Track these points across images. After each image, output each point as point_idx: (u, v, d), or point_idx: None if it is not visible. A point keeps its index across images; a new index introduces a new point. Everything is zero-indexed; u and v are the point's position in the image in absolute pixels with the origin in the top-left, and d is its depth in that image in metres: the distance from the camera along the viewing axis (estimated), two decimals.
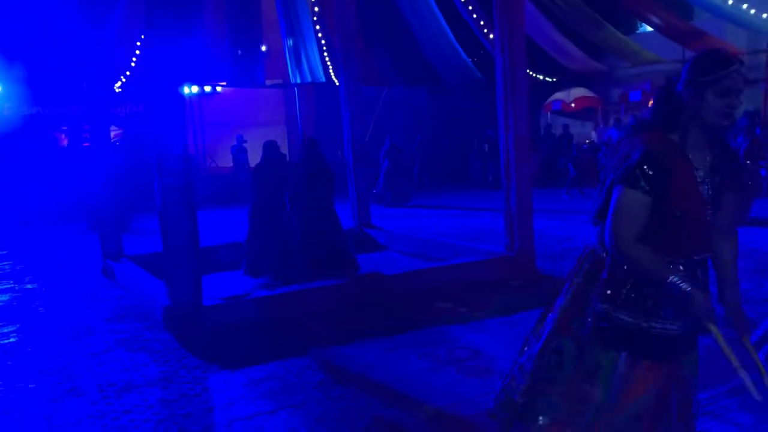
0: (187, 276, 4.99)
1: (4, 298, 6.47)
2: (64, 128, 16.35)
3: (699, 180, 2.03)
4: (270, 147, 6.91)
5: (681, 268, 2.02)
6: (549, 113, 19.49)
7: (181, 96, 5.22)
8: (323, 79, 14.59)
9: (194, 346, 4.58)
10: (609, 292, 2.08)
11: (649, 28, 15.65)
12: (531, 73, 17.71)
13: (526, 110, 6.48)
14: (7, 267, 8.28)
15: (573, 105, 18.58)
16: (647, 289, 2.04)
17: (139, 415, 3.47)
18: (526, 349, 2.39)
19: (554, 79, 18.78)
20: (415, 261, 7.51)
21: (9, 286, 7.07)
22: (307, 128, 17.66)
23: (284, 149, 11.80)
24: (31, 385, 3.99)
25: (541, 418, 2.19)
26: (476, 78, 16.31)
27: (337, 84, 10.80)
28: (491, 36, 12.57)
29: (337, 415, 3.36)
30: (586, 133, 19.51)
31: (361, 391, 3.66)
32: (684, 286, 1.94)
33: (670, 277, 1.97)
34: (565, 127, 17.40)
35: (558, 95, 18.85)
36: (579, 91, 18.50)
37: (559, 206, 11.89)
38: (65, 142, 16.53)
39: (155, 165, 4.98)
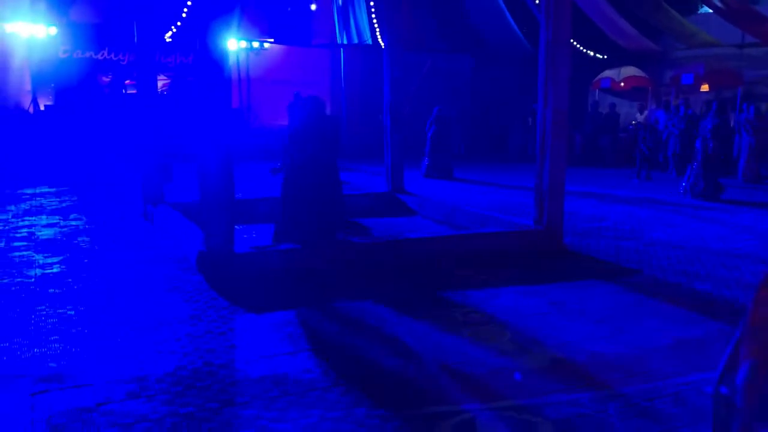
0: (221, 224, 5.23)
1: (51, 232, 6.85)
2: (109, 75, 16.72)
3: None
4: (314, 102, 6.70)
5: None
6: (597, 91, 19.09)
7: (226, 49, 5.37)
8: (370, 42, 14.61)
9: (223, 289, 4.83)
10: None
11: (709, 10, 15.09)
12: (581, 48, 17.36)
13: (566, 84, 6.43)
14: (55, 203, 8.71)
15: (622, 84, 18.15)
16: None
17: (167, 346, 3.72)
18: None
19: (605, 56, 18.36)
20: (441, 227, 7.63)
21: (55, 221, 7.46)
22: (351, 91, 17.74)
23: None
24: (71, 312, 4.29)
25: None
26: (526, 49, 16.07)
27: (383, 46, 10.82)
28: None
29: (350, 361, 3.55)
30: (635, 113, 19.08)
31: (374, 342, 3.84)
32: None
33: None
34: (612, 106, 17.07)
35: (607, 73, 18.42)
36: (629, 70, 18.05)
37: (596, 187, 11.78)
38: (107, 89, 16.90)
39: (197, 115, 5.18)
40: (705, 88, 16.72)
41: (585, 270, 5.71)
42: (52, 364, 3.42)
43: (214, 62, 5.25)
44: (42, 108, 15.09)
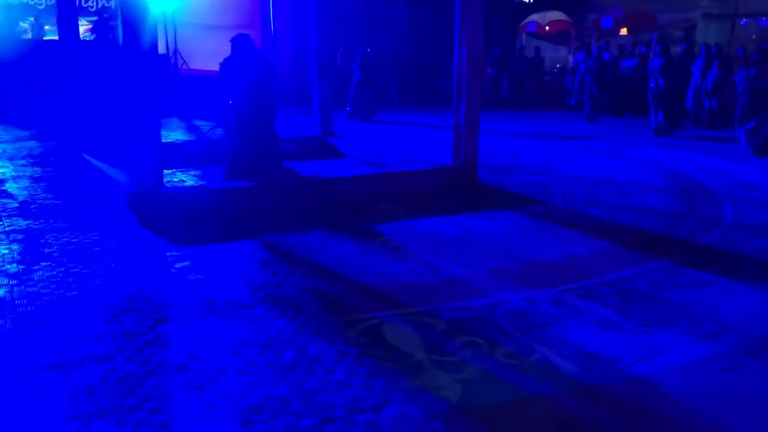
0: (149, 164, 5.42)
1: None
2: (30, 19, 15.99)
3: None
4: (239, 41, 6.80)
5: None
6: (524, 35, 19.59)
7: None
8: None
9: (153, 225, 5.07)
10: None
11: None
12: None
13: (481, 26, 6.79)
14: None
15: (547, 28, 18.70)
16: None
17: (102, 277, 3.98)
18: None
19: (531, 0, 18.83)
20: (368, 168, 8.00)
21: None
22: (281, 36, 17.58)
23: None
24: (2, 248, 4.47)
25: None
26: None
27: None
28: None
29: (273, 283, 3.93)
30: (561, 57, 19.73)
31: (299, 268, 4.23)
32: None
33: None
34: (537, 50, 17.61)
35: (533, 17, 18.91)
36: (554, 15, 18.58)
37: (520, 127, 12.35)
38: (29, 35, 16.17)
39: (125, 58, 5.29)
40: (623, 31, 17.47)
41: (494, 201, 6.24)
42: None
43: (138, 4, 5.34)
44: None
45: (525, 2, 18.42)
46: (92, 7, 15.79)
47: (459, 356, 3.04)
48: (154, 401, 2.60)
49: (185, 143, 8.01)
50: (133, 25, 5.33)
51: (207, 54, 15.76)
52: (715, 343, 3.26)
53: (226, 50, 6.79)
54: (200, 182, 6.87)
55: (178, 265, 4.27)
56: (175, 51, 16.80)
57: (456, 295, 3.78)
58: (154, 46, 5.59)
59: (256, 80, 6.45)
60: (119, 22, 5.52)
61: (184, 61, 16.95)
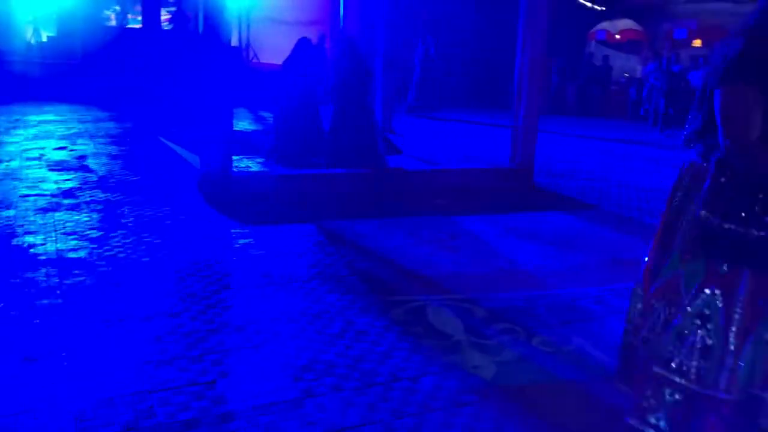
0: (219, 149, 5.79)
1: (61, 155, 7.38)
2: (116, 8, 16.86)
3: None
4: (301, 43, 7.45)
5: None
6: (593, 42, 19.32)
7: None
8: None
9: (220, 206, 5.42)
10: (711, 199, 2.00)
11: None
12: None
13: (544, 31, 6.86)
14: (62, 129, 9.21)
15: (618, 36, 18.40)
16: (755, 195, 1.93)
17: (173, 247, 4.33)
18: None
19: (603, 8, 18.54)
20: (425, 165, 8.19)
21: (64, 145, 7.99)
22: (349, 33, 17.94)
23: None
24: (84, 217, 4.89)
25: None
26: None
27: None
28: None
29: (327, 263, 4.18)
30: (630, 66, 19.37)
31: (351, 251, 4.47)
32: None
33: None
34: (605, 58, 17.36)
35: (604, 25, 18.63)
36: (625, 23, 18.26)
37: (583, 132, 12.28)
38: (114, 22, 17.07)
39: (201, 49, 5.66)
40: (697, 43, 17.02)
41: (547, 203, 6.33)
42: (73, 257, 4.04)
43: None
44: (44, 39, 15.36)
45: (596, 9, 18.17)
46: None
47: (496, 341, 3.20)
48: (214, 354, 2.88)
49: (252, 132, 8.41)
50: (212, 18, 5.70)
51: (276, 48, 16.34)
52: None
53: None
54: (264, 168, 7.22)
55: (241, 241, 4.58)
56: (248, 44, 17.42)
57: (498, 286, 3.93)
58: (229, 38, 5.96)
59: (352, 77, 6.96)
60: (200, 15, 5.90)
61: (255, 54, 17.56)
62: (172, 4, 16.50)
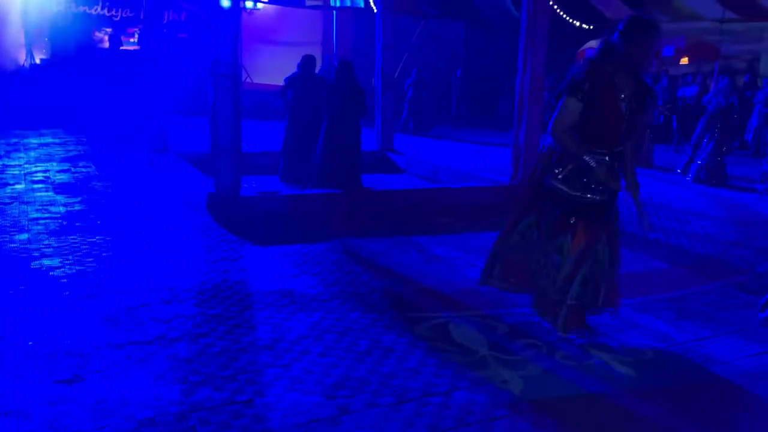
0: (229, 169, 5.84)
1: (65, 177, 7.40)
2: (108, 30, 16.91)
3: (620, 98, 3.15)
4: (308, 61, 7.56)
5: (606, 156, 3.19)
6: (582, 61, 19.64)
7: (237, 3, 5.86)
8: (362, 5, 15.02)
9: (232, 226, 5.46)
10: (556, 171, 3.27)
11: None
12: (567, 17, 17.84)
13: (544, 53, 7.04)
14: (62, 152, 9.22)
15: None
16: (583, 170, 3.18)
17: (189, 267, 4.36)
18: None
19: (591, 27, 18.87)
20: (427, 184, 8.29)
21: (66, 167, 8.00)
22: (343, 53, 18.14)
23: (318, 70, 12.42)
24: (99, 240, 4.91)
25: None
26: (514, 17, 16.53)
27: (375, 11, 11.28)
28: None
29: (346, 281, 4.23)
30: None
31: (367, 269, 4.52)
32: (591, 162, 3.15)
33: (584, 156, 3.16)
34: None
35: (592, 43, 18.93)
36: None
37: None
38: (106, 44, 17.11)
39: (210, 68, 5.74)
40: (684, 61, 17.36)
41: None
42: (93, 279, 4.06)
43: (226, 16, 5.78)
44: (38, 62, 15.36)
45: (585, 28, 18.49)
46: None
47: (521, 355, 3.27)
48: (246, 374, 2.91)
49: (256, 154, 8.50)
50: (220, 35, 5.78)
51: (268, 69, 16.46)
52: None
53: (288, 66, 7.33)
54: (270, 189, 7.25)
55: (256, 261, 4.62)
56: (240, 65, 17.50)
57: (517, 302, 3.99)
58: (238, 57, 6.03)
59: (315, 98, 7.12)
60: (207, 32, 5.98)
61: (248, 75, 17.66)
62: (165, 26, 16.60)
